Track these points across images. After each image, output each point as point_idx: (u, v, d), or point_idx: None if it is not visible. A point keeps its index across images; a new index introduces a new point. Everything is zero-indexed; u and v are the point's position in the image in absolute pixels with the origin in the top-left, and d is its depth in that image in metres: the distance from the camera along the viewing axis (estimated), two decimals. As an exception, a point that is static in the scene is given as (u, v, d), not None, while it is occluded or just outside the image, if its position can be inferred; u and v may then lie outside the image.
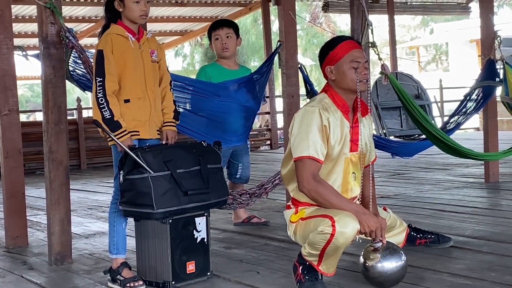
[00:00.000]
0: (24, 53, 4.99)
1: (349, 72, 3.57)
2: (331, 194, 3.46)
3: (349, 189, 3.67)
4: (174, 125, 4.14)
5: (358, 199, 3.77)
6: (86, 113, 13.22)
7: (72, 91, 23.40)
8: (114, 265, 4.00)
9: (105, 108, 3.83)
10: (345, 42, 3.65)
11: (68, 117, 5.17)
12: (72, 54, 4.79)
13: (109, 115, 3.82)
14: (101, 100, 3.84)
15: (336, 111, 3.60)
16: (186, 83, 5.27)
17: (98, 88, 3.85)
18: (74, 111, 12.88)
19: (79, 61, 4.74)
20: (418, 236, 4.34)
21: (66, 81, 4.70)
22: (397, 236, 4.12)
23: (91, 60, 4.67)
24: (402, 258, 3.47)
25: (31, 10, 13.40)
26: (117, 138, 3.81)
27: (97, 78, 3.86)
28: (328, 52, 3.65)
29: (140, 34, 4.05)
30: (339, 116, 3.60)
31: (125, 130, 3.86)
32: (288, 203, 3.77)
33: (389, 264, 3.44)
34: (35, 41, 14.76)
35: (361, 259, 3.52)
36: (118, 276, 3.92)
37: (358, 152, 3.68)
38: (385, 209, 4.10)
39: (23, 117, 20.03)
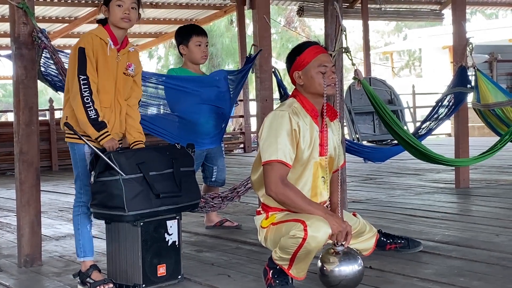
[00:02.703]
0: (-5, 53, 4.94)
1: (316, 77, 3.60)
2: (299, 198, 3.47)
3: (318, 193, 3.69)
4: (142, 143, 4.05)
5: (327, 206, 3.79)
6: (58, 114, 13.09)
7: (45, 91, 23.23)
8: (83, 268, 3.97)
9: (91, 107, 3.75)
10: (312, 47, 3.68)
11: (40, 118, 5.15)
12: (43, 55, 4.75)
13: (94, 115, 3.75)
14: (87, 99, 3.75)
15: (306, 115, 3.62)
16: (160, 79, 5.25)
17: (83, 87, 3.75)
18: (47, 112, 12.77)
19: (51, 62, 4.70)
20: (388, 241, 4.37)
21: (39, 81, 4.67)
22: (367, 242, 4.14)
23: (64, 61, 4.65)
24: (359, 262, 3.50)
25: (3, 9, 13.27)
26: (101, 139, 3.76)
27: (80, 76, 3.77)
28: (296, 57, 3.68)
29: (123, 45, 3.98)
30: (309, 120, 3.62)
31: (108, 131, 3.80)
32: (258, 209, 3.78)
33: (347, 268, 3.46)
34: (7, 40, 14.64)
35: (319, 263, 3.53)
36: (88, 279, 3.89)
37: (327, 157, 3.69)
38: (354, 215, 4.12)
39: (-6, 117, 19.84)
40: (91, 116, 3.75)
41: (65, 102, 3.98)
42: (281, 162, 3.48)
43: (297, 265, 3.49)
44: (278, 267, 3.55)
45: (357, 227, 4.01)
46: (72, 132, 3.84)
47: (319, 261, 3.52)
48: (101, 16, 4.02)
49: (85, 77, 3.78)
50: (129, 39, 4.09)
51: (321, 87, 3.59)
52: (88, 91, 3.76)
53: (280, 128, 3.52)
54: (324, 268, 3.49)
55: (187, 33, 5.37)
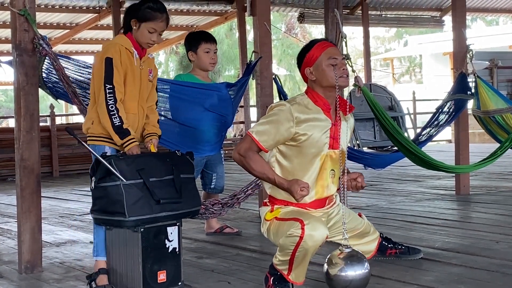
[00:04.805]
0: (-4, 59, 4.96)
1: (327, 70, 3.66)
2: (258, 164, 3.57)
3: (324, 186, 3.72)
4: (156, 136, 4.19)
5: (333, 202, 3.82)
6: (59, 120, 13.14)
7: (46, 97, 23.25)
8: (94, 267, 4.03)
9: (115, 115, 3.87)
10: (320, 43, 3.76)
11: (41, 124, 5.16)
12: (46, 61, 4.77)
13: (118, 122, 3.87)
14: (112, 107, 3.87)
15: (316, 109, 3.66)
16: (165, 86, 5.27)
17: (108, 95, 3.88)
18: (47, 118, 12.79)
19: (53, 69, 4.72)
20: (389, 246, 4.37)
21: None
22: (369, 245, 4.14)
23: (65, 66, 4.68)
24: (366, 266, 3.50)
25: (4, 16, 13.30)
26: (125, 146, 3.88)
27: (106, 85, 3.88)
28: (305, 54, 3.75)
29: (144, 52, 4.10)
30: (318, 113, 3.66)
31: (133, 138, 3.90)
32: (265, 200, 3.82)
33: (353, 272, 3.46)
34: (8, 46, 14.66)
35: (325, 266, 3.53)
36: (92, 283, 3.96)
37: (339, 150, 3.72)
38: (360, 215, 4.14)
39: (-5, 123, 19.87)
40: (115, 123, 3.87)
41: (90, 107, 4.08)
42: (257, 142, 3.58)
43: (296, 269, 3.51)
44: (279, 273, 3.57)
45: (361, 227, 4.03)
46: (94, 134, 3.98)
47: (325, 264, 3.53)
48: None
49: (111, 86, 3.89)
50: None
51: (332, 79, 3.65)
52: (113, 100, 3.88)
53: (275, 116, 3.60)
54: (330, 271, 3.50)
55: (196, 39, 5.40)
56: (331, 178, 3.73)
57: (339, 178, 3.77)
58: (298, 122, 3.59)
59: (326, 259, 3.53)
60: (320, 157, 3.66)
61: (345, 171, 3.74)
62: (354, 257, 3.49)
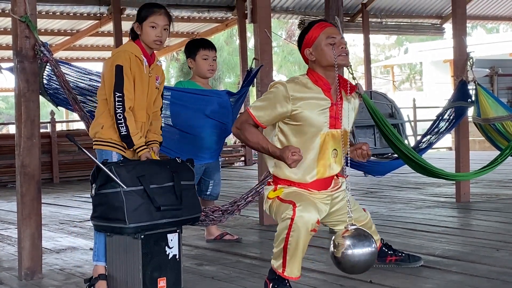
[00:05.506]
0: (-3, 66, 4.97)
1: (326, 49, 3.72)
2: (253, 136, 3.67)
3: (327, 165, 3.77)
4: (157, 143, 4.23)
5: (338, 186, 3.86)
6: (59, 127, 13.14)
7: (46, 104, 23.24)
8: (94, 273, 4.04)
9: (122, 124, 3.92)
10: (319, 23, 3.84)
11: (42, 130, 5.17)
12: (47, 68, 4.77)
13: (125, 132, 3.92)
14: (120, 116, 3.91)
15: (314, 87, 3.72)
16: (166, 93, 5.27)
17: (117, 104, 3.91)
18: (48, 124, 12.79)
19: (54, 75, 4.72)
20: (389, 252, 4.37)
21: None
22: None
23: (65, 72, 4.69)
24: (372, 243, 3.52)
25: (5, 22, 13.33)
26: (137, 152, 3.95)
27: (116, 93, 3.92)
28: (304, 36, 3.82)
29: (152, 59, 4.11)
30: (317, 93, 3.72)
31: (142, 145, 3.95)
32: (269, 180, 3.89)
33: (359, 250, 3.48)
34: (9, 53, 14.68)
35: (331, 246, 3.56)
36: None
37: (341, 130, 3.78)
38: (364, 210, 4.18)
39: (-4, 129, 19.87)
40: (122, 132, 3.93)
41: (99, 112, 4.09)
42: (253, 117, 3.68)
43: (290, 263, 3.56)
44: (277, 277, 3.61)
45: (364, 220, 4.08)
46: (102, 139, 4.01)
47: (331, 244, 3.56)
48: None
49: (120, 94, 3.92)
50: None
51: (331, 58, 3.70)
52: (121, 108, 3.92)
53: (271, 93, 3.70)
54: (336, 251, 3.52)
55: (195, 46, 5.42)
56: (333, 157, 3.79)
57: (342, 157, 3.82)
58: (294, 99, 3.65)
59: (332, 239, 3.55)
60: (320, 135, 3.72)
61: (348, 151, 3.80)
62: (360, 236, 3.51)
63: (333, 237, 3.57)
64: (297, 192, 3.69)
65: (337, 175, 3.89)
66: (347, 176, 3.84)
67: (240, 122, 3.71)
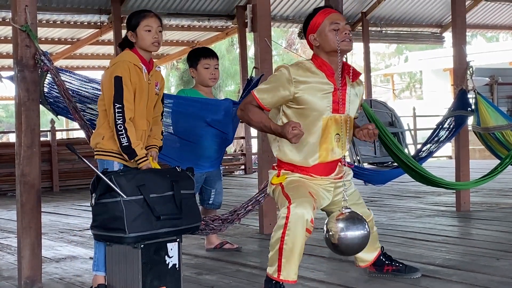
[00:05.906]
0: (-3, 75, 4.97)
1: (330, 34, 3.79)
2: (256, 116, 3.75)
3: (329, 150, 3.82)
4: (157, 148, 4.28)
5: (343, 173, 3.90)
6: (59, 135, 13.14)
7: (46, 112, 23.23)
8: (93, 282, 4.03)
9: (123, 135, 3.92)
10: (324, 9, 3.91)
11: (42, 139, 5.17)
12: (47, 76, 4.78)
13: (126, 143, 3.92)
14: (120, 127, 3.92)
15: (317, 72, 3.79)
16: (168, 101, 5.27)
17: (117, 115, 3.92)
18: (48, 132, 12.79)
19: (54, 84, 4.72)
20: (387, 262, 4.36)
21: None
22: (369, 254, 4.18)
23: (65, 80, 4.69)
24: (365, 226, 3.58)
25: (6, 31, 13.35)
26: (138, 163, 3.95)
27: (116, 104, 3.92)
28: (309, 22, 3.88)
29: (151, 66, 4.12)
30: (320, 77, 3.78)
31: (143, 157, 3.96)
32: (274, 164, 3.97)
33: (353, 233, 3.56)
34: (9, 62, 14.71)
35: (325, 228, 3.63)
36: None
37: (345, 115, 3.83)
38: (368, 209, 4.19)
39: (-4, 138, 19.87)
40: (123, 143, 3.93)
41: (100, 122, 4.11)
42: (257, 99, 3.76)
43: (286, 266, 3.58)
44: (273, 282, 3.63)
45: (366, 217, 4.04)
46: (103, 149, 4.03)
47: (324, 226, 3.61)
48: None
49: (120, 105, 3.92)
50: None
51: (334, 43, 3.76)
52: (121, 119, 3.92)
53: (275, 77, 3.80)
54: (330, 234, 3.59)
55: (196, 56, 5.43)
56: (336, 142, 3.84)
57: (346, 142, 3.88)
58: (297, 82, 3.73)
59: (326, 221, 3.58)
60: (322, 119, 3.78)
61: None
62: (354, 219, 3.56)
63: (327, 220, 3.61)
64: (298, 184, 3.74)
65: (342, 163, 3.93)
66: (352, 164, 3.93)
67: (244, 104, 3.81)
